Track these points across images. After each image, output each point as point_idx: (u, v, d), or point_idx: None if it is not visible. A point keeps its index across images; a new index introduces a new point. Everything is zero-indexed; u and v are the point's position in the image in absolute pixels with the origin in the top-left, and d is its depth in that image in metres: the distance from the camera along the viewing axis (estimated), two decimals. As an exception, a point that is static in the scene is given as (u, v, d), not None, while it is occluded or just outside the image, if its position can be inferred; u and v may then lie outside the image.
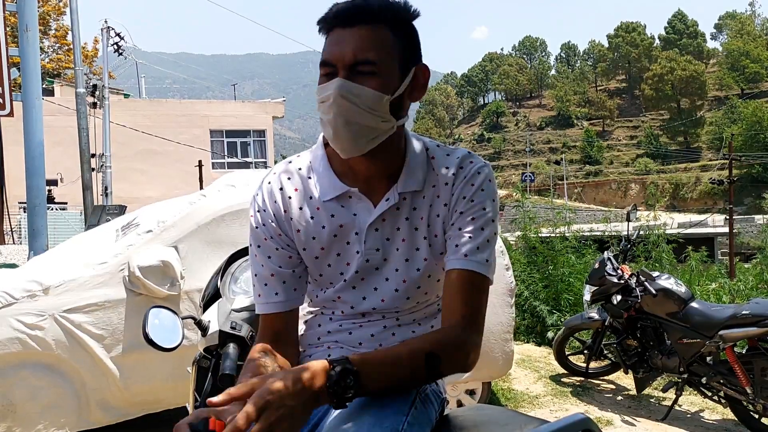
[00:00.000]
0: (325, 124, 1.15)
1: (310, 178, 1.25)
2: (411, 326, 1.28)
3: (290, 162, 1.29)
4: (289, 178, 1.26)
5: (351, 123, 1.12)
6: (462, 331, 1.14)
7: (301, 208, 1.24)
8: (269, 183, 1.27)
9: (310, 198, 1.24)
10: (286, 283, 1.25)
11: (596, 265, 4.49)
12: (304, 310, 1.37)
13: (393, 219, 1.23)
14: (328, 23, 1.14)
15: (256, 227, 1.26)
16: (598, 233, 8.42)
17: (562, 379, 4.85)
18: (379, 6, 1.13)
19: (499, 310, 3.57)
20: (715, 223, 31.16)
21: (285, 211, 1.24)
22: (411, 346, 1.10)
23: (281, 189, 1.25)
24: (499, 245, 3.62)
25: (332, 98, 1.11)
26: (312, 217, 1.23)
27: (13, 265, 5.32)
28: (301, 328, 1.36)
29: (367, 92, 1.12)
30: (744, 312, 3.58)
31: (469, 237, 1.18)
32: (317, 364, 0.99)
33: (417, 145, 1.25)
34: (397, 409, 1.09)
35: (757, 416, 3.62)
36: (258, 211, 1.26)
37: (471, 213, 1.20)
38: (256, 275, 1.27)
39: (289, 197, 1.25)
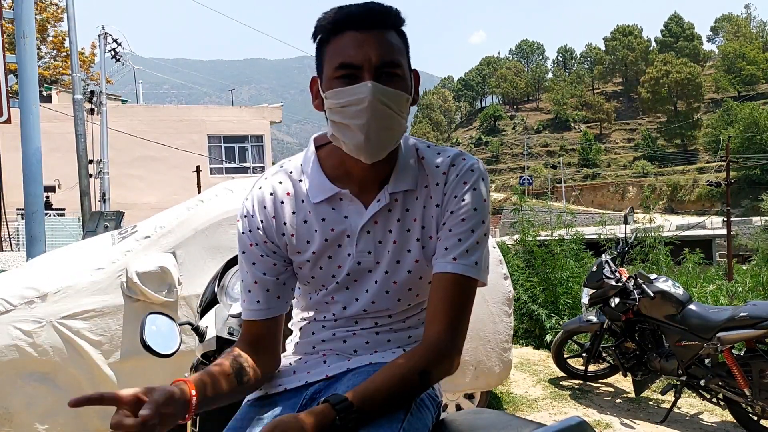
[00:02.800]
0: (351, 130, 1.10)
1: (301, 181, 1.23)
2: (406, 332, 1.27)
3: (282, 166, 1.27)
4: (280, 182, 1.24)
5: (386, 128, 1.11)
6: (449, 340, 1.14)
7: (294, 212, 1.22)
8: (260, 188, 1.24)
9: (302, 201, 1.22)
10: (269, 291, 1.24)
11: (594, 268, 4.50)
12: (298, 316, 1.35)
13: (385, 221, 1.21)
14: (338, 25, 1.10)
15: (243, 233, 1.24)
16: (593, 236, 8.42)
17: (560, 382, 4.85)
18: (390, 12, 1.13)
19: (498, 319, 3.56)
20: (713, 225, 31.14)
21: (274, 217, 1.22)
22: (403, 368, 1.10)
23: (272, 194, 1.23)
24: (497, 254, 3.61)
25: (368, 102, 1.08)
26: (305, 221, 1.22)
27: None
28: (296, 334, 1.36)
29: (399, 95, 1.11)
30: (742, 314, 3.59)
31: (459, 239, 1.17)
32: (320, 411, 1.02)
33: (406, 145, 1.24)
34: (392, 416, 1.09)
35: (755, 418, 3.62)
36: (245, 217, 1.24)
37: (461, 213, 1.17)
38: (242, 281, 1.27)
39: (282, 202, 1.22)
